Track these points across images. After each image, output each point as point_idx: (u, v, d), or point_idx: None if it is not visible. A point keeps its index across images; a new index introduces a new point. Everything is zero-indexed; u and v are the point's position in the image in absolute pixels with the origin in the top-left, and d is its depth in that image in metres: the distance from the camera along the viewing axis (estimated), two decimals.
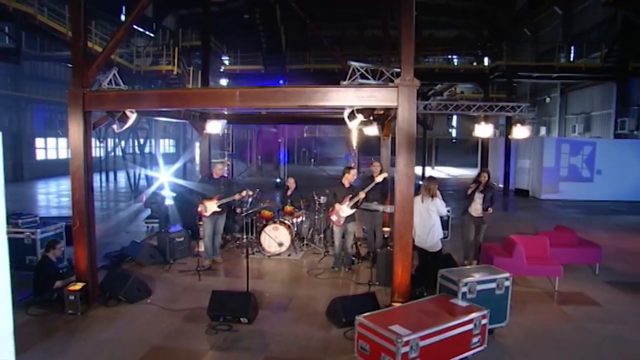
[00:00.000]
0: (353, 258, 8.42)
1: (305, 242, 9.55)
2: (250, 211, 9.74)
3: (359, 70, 5.21)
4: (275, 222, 9.19)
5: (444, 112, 10.79)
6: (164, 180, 21.13)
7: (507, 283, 5.29)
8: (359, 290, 7.07)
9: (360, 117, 5.48)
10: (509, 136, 10.39)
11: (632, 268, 8.57)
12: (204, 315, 5.87)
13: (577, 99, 25.50)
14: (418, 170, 24.06)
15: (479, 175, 8.26)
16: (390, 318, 4.42)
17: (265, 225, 9.23)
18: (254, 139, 32.78)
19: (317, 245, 9.52)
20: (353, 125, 5.60)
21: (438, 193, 6.71)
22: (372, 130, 9.80)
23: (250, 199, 10.15)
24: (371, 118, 5.59)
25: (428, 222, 6.59)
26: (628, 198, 18.10)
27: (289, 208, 9.62)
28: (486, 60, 26.93)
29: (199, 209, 8.25)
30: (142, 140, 21.87)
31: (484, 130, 10.08)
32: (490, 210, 7.96)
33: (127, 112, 6.26)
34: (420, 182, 20.89)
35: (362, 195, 7.59)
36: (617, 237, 11.44)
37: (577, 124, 24.57)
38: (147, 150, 22.87)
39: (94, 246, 6.37)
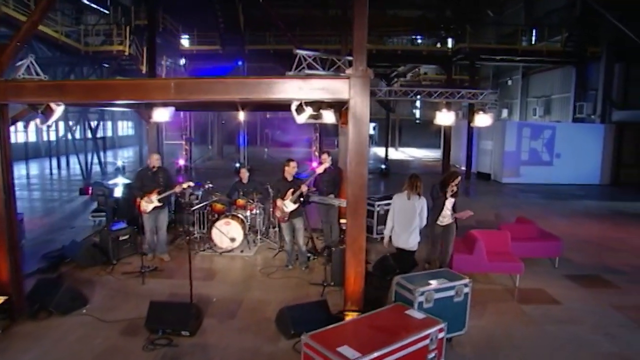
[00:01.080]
0: (308, 254, 8.04)
1: (259, 236, 9.09)
2: (201, 204, 9.18)
3: (306, 60, 4.71)
4: (227, 216, 8.71)
5: (405, 99, 10.42)
6: (119, 167, 20.19)
7: (466, 290, 4.99)
8: (313, 291, 6.70)
9: (309, 111, 5.00)
10: (471, 124, 10.09)
11: (589, 258, 8.51)
12: (144, 326, 5.38)
13: (538, 82, 25.70)
14: (381, 151, 23.87)
15: (449, 180, 6.64)
16: (339, 336, 4.04)
17: (216, 220, 8.73)
18: (214, 121, 31.77)
19: (272, 240, 9.09)
20: (301, 119, 5.12)
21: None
22: (329, 118, 9.33)
23: (200, 191, 9.60)
24: (320, 111, 5.11)
25: (412, 221, 6.19)
26: (585, 182, 18.41)
27: (241, 201, 9.12)
28: (450, 42, 26.74)
29: (140, 206, 7.71)
30: (94, 124, 20.69)
31: (445, 117, 9.75)
32: (468, 213, 6.78)
33: (52, 105, 5.58)
34: (383, 166, 20.73)
35: (303, 188, 7.18)
36: (575, 223, 11.46)
37: (537, 106, 24.81)
38: (100, 134, 21.68)
39: (17, 254, 5.73)
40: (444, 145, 21.47)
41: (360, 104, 4.72)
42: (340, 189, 8.55)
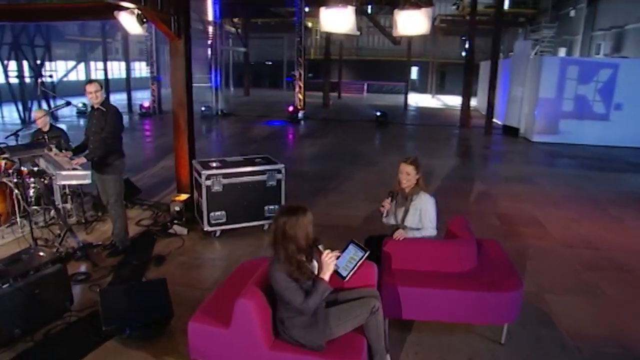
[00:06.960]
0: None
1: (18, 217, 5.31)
2: None
3: None
4: None
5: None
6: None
7: None
8: None
9: None
10: (393, 33, 5.36)
11: (601, 324, 3.96)
12: None
13: (609, 9, 19.38)
14: (420, 99, 19.05)
15: None
16: None
17: None
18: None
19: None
20: None
21: None
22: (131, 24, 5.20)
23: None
24: None
25: None
26: None
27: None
28: None
29: None
30: (39, 62, 17.32)
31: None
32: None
33: None
34: (378, 113, 15.97)
35: None
36: (606, 224, 6.70)
37: (604, 41, 18.73)
38: (48, 76, 18.20)
39: None
40: (464, 89, 16.47)
41: None
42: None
